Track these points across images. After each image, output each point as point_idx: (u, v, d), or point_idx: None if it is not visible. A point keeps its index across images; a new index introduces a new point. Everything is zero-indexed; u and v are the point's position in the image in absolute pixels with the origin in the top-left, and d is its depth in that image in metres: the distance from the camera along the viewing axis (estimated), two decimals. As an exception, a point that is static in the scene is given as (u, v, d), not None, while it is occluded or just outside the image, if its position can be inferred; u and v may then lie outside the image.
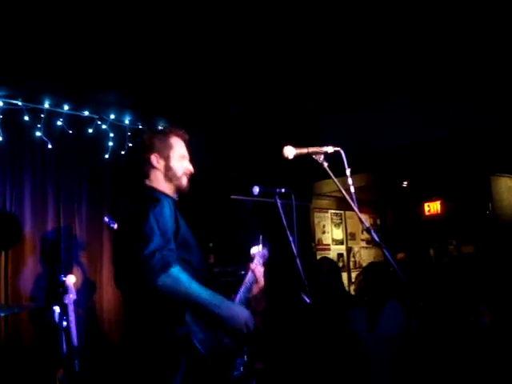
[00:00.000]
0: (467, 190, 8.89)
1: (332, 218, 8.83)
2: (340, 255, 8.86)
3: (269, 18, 4.20)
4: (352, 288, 8.20)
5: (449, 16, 4.26)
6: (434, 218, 9.57)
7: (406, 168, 7.61)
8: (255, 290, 2.95)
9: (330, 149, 2.68)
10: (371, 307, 4.39)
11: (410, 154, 6.50)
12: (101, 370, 4.69)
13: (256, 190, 3.35)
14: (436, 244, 9.54)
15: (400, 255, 7.69)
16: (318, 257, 7.07)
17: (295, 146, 2.74)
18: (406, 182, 8.85)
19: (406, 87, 5.67)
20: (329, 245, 8.64)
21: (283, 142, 2.80)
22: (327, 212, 8.72)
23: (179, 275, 2.39)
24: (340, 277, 5.65)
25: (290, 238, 3.37)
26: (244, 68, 5.06)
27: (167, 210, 2.58)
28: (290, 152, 2.72)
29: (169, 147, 2.85)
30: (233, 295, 2.81)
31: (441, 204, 9.53)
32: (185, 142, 2.95)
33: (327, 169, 2.66)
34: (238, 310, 2.55)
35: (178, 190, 2.87)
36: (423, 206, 9.72)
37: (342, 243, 9.02)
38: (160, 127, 2.87)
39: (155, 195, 2.68)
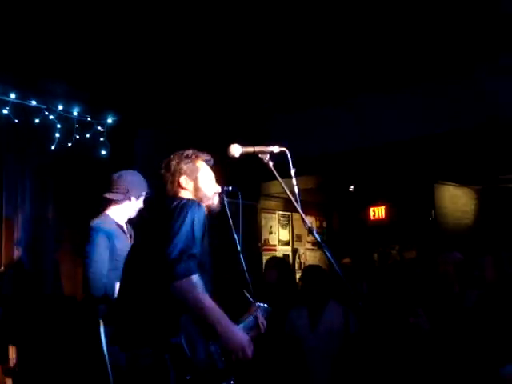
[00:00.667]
0: (411, 197, 9.12)
1: (279, 219, 8.91)
2: (286, 256, 8.94)
3: (221, 15, 4.21)
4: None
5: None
6: (378, 222, 9.75)
7: (353, 172, 7.76)
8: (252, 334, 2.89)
9: (276, 149, 2.70)
10: (312, 307, 4.49)
11: (358, 159, 6.62)
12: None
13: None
14: (380, 248, 9.72)
15: (346, 260, 7.83)
16: (266, 257, 7.14)
17: (242, 144, 2.75)
18: (352, 186, 9.00)
19: (355, 92, 5.77)
20: (275, 245, 8.72)
21: (232, 141, 2.81)
22: (274, 213, 8.79)
23: (197, 284, 2.40)
24: (290, 276, 5.71)
25: (236, 237, 3.40)
26: (194, 65, 5.05)
27: (203, 214, 2.62)
28: (236, 150, 2.73)
29: (196, 170, 2.92)
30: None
31: (385, 209, 9.71)
32: (210, 166, 3.03)
33: (272, 168, 2.68)
34: (239, 334, 2.51)
35: (209, 209, 2.90)
36: (369, 210, 9.89)
37: (288, 244, 9.11)
38: (186, 152, 2.92)
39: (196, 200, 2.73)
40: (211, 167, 3.03)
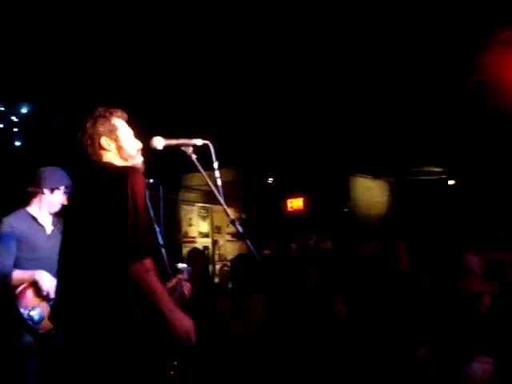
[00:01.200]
0: (327, 189, 9.36)
1: (199, 211, 8.91)
2: (205, 248, 8.96)
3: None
4: (216, 279, 8.34)
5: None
6: (295, 214, 9.95)
7: (271, 164, 7.87)
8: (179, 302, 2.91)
9: (199, 141, 2.71)
10: (237, 296, 4.58)
11: (276, 152, 6.73)
12: None
13: (123, 179, 3.31)
14: (297, 239, 9.92)
15: (266, 251, 7.94)
16: (186, 249, 7.14)
17: (164, 136, 2.74)
18: (271, 179, 9.12)
19: (275, 84, 5.83)
20: (195, 237, 8.72)
21: (153, 133, 2.79)
22: (194, 205, 8.78)
23: (149, 268, 2.37)
24: (207, 267, 5.78)
25: (157, 229, 3.39)
26: (110, 55, 4.95)
27: (143, 182, 2.51)
28: (158, 143, 2.72)
29: (114, 128, 2.75)
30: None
31: (303, 201, 9.91)
32: (125, 120, 2.86)
33: (195, 161, 2.68)
34: (186, 320, 2.49)
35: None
36: (286, 202, 10.06)
37: (207, 236, 9.13)
38: (98, 111, 2.71)
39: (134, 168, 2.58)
40: (126, 121, 2.89)
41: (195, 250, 5.98)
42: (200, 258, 5.43)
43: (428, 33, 4.30)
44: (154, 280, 2.35)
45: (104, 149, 2.69)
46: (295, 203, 9.99)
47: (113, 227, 2.34)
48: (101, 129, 2.70)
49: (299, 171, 8.80)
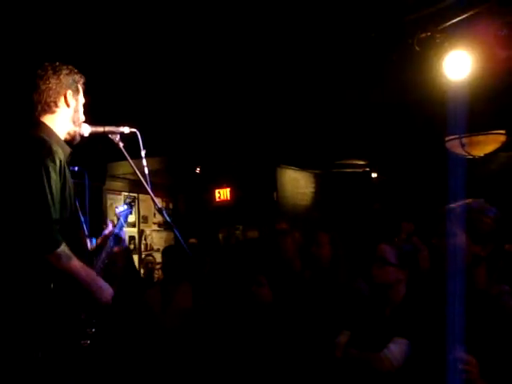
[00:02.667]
0: (255, 179, 9.46)
1: (125, 201, 8.78)
2: (132, 238, 8.86)
3: None
4: (142, 270, 8.27)
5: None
6: (223, 203, 9.99)
7: (199, 154, 7.87)
8: (117, 249, 2.91)
9: (126, 129, 2.70)
10: (166, 286, 4.59)
11: (204, 141, 6.74)
12: None
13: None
14: (224, 229, 9.97)
15: (192, 240, 7.95)
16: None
17: (90, 123, 2.71)
18: (198, 168, 9.12)
19: (206, 74, 5.83)
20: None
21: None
22: (120, 194, 8.66)
23: (65, 253, 2.34)
24: (132, 260, 5.72)
25: (82, 219, 3.34)
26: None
27: (58, 168, 2.41)
28: (85, 129, 2.69)
29: (78, 91, 2.68)
30: (95, 259, 2.76)
31: (230, 191, 9.97)
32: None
33: (123, 149, 2.68)
34: (106, 289, 2.53)
35: (74, 137, 2.69)
36: (214, 192, 10.08)
37: (134, 226, 9.03)
38: (75, 69, 2.59)
39: (52, 145, 2.46)
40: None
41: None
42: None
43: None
44: (70, 263, 2.35)
45: (66, 102, 2.60)
46: (223, 193, 10.03)
47: (26, 216, 2.30)
48: (70, 82, 2.63)
49: (227, 161, 8.85)
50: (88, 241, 2.97)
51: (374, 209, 9.11)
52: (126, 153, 2.67)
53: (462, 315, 1.99)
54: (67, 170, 2.56)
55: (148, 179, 2.66)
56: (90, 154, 5.32)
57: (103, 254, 2.83)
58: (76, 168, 3.21)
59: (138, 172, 2.63)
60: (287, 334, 3.80)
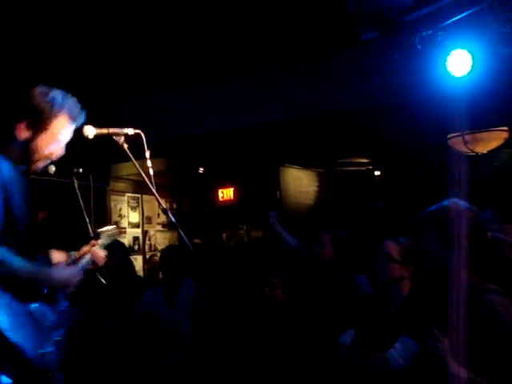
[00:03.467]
0: (258, 179, 9.47)
1: (129, 202, 8.81)
2: (136, 238, 8.88)
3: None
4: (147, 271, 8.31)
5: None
6: (226, 203, 10.00)
7: (202, 155, 7.88)
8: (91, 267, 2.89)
9: (130, 131, 2.70)
10: (168, 285, 4.59)
11: (207, 142, 6.75)
12: None
13: (52, 169, 3.26)
14: (228, 228, 9.99)
15: (196, 241, 7.97)
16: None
17: (95, 125, 2.72)
18: (201, 169, 9.14)
19: (201, 76, 5.84)
20: (125, 228, 8.62)
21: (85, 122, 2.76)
22: (124, 195, 8.68)
23: (4, 256, 2.30)
24: (130, 261, 5.73)
25: (87, 220, 3.35)
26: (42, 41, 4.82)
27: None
28: (89, 131, 2.69)
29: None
30: None
31: (233, 191, 9.98)
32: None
33: (127, 150, 2.68)
34: (59, 274, 2.55)
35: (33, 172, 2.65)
36: (217, 191, 10.10)
37: (138, 226, 9.05)
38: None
39: None
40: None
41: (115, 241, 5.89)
42: (118, 249, 5.32)
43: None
44: (8, 265, 2.30)
45: (45, 130, 2.53)
46: (226, 193, 10.05)
47: None
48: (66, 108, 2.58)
49: (230, 161, 8.86)
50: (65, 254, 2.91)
51: (377, 207, 9.12)
52: (130, 154, 2.67)
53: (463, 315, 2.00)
54: (15, 179, 2.49)
55: (152, 180, 2.67)
56: (94, 156, 5.35)
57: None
58: (80, 169, 3.24)
59: (142, 172, 2.64)
60: (294, 335, 3.80)
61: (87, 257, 2.86)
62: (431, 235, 2.24)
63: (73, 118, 2.64)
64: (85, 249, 2.92)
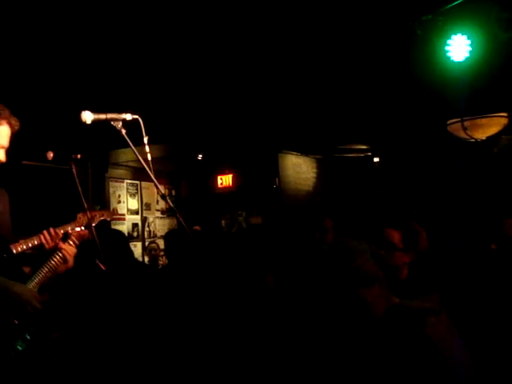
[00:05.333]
0: (257, 165, 9.47)
1: (128, 188, 8.81)
2: (135, 225, 8.90)
3: None
4: (146, 257, 8.33)
5: None
6: (225, 190, 10.01)
7: (201, 141, 7.87)
8: (61, 268, 2.86)
9: (128, 116, 2.69)
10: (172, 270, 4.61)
11: (206, 128, 6.73)
12: None
13: (50, 155, 3.26)
14: (227, 215, 10.00)
15: (196, 227, 7.98)
16: (113, 226, 7.06)
17: (93, 111, 2.71)
18: (200, 155, 9.13)
19: (206, 59, 5.81)
20: (124, 215, 8.63)
21: (80, 106, 2.75)
22: (123, 182, 8.68)
23: None
24: (128, 246, 5.74)
25: (86, 206, 3.35)
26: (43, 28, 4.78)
27: None
28: (87, 117, 2.68)
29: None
30: (33, 272, 2.72)
31: (232, 177, 9.99)
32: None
33: (125, 136, 2.67)
34: (20, 291, 2.49)
35: None
36: (216, 178, 10.10)
37: (137, 213, 9.05)
38: None
39: None
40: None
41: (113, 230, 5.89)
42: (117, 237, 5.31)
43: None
44: None
45: None
46: (225, 180, 10.05)
47: None
48: None
49: (229, 148, 8.85)
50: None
51: (379, 193, 9.13)
52: (128, 139, 2.66)
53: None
54: None
55: (151, 166, 2.66)
56: (93, 142, 5.34)
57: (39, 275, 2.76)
58: (79, 156, 3.23)
59: (140, 158, 2.63)
60: (289, 321, 3.82)
61: (57, 255, 2.85)
62: None
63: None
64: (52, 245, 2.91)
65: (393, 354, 2.07)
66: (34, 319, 2.56)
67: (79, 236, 3.06)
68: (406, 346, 2.08)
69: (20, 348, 2.45)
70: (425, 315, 2.17)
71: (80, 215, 3.11)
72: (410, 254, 3.12)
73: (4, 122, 2.70)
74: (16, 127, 2.77)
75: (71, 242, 2.97)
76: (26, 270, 2.77)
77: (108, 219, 3.22)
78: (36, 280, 2.70)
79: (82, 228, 3.13)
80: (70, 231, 3.04)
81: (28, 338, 2.50)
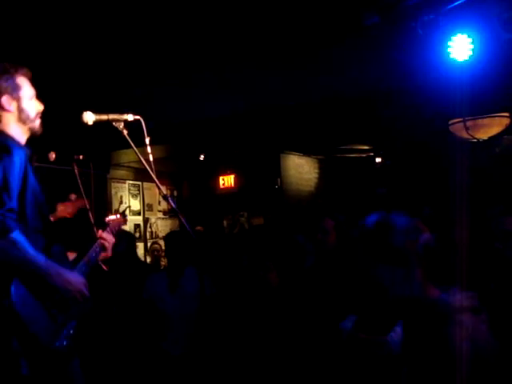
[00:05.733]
0: (259, 166, 9.47)
1: (129, 189, 8.82)
2: (137, 226, 8.90)
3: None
4: (148, 258, 8.32)
5: None
6: (227, 191, 10.02)
7: (203, 141, 7.87)
8: (101, 257, 2.87)
9: (130, 117, 2.69)
10: (172, 271, 4.61)
11: (208, 128, 6.73)
12: None
13: (52, 156, 3.26)
14: (229, 216, 10.01)
15: (198, 228, 7.99)
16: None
17: (95, 111, 2.71)
18: (202, 156, 9.13)
19: (208, 62, 5.80)
20: (126, 215, 8.63)
21: (82, 107, 2.75)
22: (125, 183, 8.69)
23: (18, 241, 2.28)
24: (134, 246, 5.75)
25: (88, 207, 3.36)
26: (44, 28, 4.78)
27: (17, 164, 2.39)
28: (89, 118, 2.68)
29: (18, 87, 2.62)
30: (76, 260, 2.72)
31: (234, 178, 9.99)
32: (30, 79, 2.71)
33: (127, 137, 2.67)
34: (71, 278, 2.47)
35: (32, 132, 2.68)
36: (218, 179, 10.11)
37: (139, 214, 9.06)
38: (3, 66, 2.56)
39: (7, 143, 2.46)
40: (31, 81, 2.74)
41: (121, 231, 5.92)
42: (124, 237, 5.32)
43: None
44: (22, 251, 2.30)
45: (4, 109, 2.58)
46: (227, 180, 10.06)
47: None
48: (4, 85, 2.58)
49: (231, 148, 8.85)
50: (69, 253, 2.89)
51: (379, 193, 9.13)
52: (130, 140, 2.66)
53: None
54: (29, 168, 2.52)
55: (153, 166, 2.66)
56: (95, 143, 5.34)
57: (82, 262, 2.76)
58: (81, 157, 3.23)
59: (142, 159, 2.63)
60: (293, 319, 3.82)
61: (96, 245, 2.85)
62: None
63: (26, 75, 2.69)
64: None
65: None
66: (81, 308, 2.57)
67: (117, 224, 3.08)
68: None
69: (58, 343, 2.44)
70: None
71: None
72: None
73: (21, 75, 2.68)
74: (30, 74, 2.73)
75: (109, 230, 2.97)
76: (71, 256, 2.80)
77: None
78: (79, 268, 2.71)
79: (118, 216, 3.15)
80: (107, 220, 3.04)
81: (69, 332, 2.51)
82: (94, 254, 2.81)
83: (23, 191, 2.43)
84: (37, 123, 2.69)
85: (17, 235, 2.29)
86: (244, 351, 4.21)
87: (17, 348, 2.28)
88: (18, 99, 2.62)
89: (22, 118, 2.63)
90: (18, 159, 2.42)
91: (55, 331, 2.44)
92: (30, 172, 2.52)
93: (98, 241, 2.87)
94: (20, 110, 2.62)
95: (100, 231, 2.94)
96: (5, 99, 2.58)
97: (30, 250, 2.32)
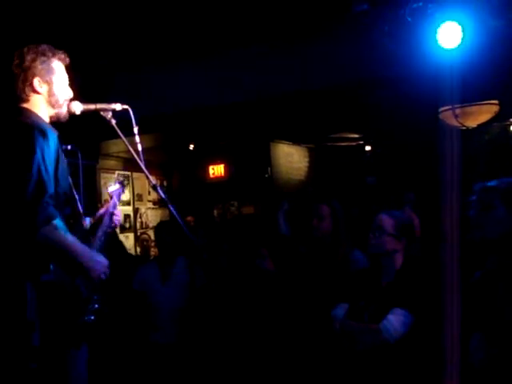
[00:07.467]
0: (249, 155, 9.46)
1: (116, 179, 8.78)
2: (127, 216, 8.87)
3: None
4: (138, 248, 8.31)
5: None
6: (217, 180, 10.01)
7: (192, 131, 7.84)
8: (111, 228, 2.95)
9: (118, 106, 2.68)
10: (163, 262, 4.60)
11: (197, 118, 6.70)
12: None
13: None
14: (219, 205, 10.00)
15: (188, 218, 7.97)
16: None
17: (82, 101, 2.69)
18: (192, 145, 9.10)
19: (197, 50, 5.77)
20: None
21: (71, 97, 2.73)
22: (114, 173, 8.64)
23: (59, 227, 2.37)
24: (117, 237, 5.73)
25: (77, 197, 3.33)
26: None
27: (52, 148, 2.44)
28: (76, 107, 2.67)
29: (52, 71, 2.63)
30: (92, 238, 2.79)
31: (224, 167, 9.98)
32: (66, 66, 2.73)
33: (115, 126, 2.66)
34: (98, 261, 2.58)
35: (58, 117, 2.68)
36: (208, 168, 10.09)
37: (128, 204, 9.03)
38: (42, 48, 2.56)
39: (43, 127, 2.48)
40: (66, 67, 2.76)
41: None
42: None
43: None
44: (63, 237, 2.40)
45: (35, 90, 2.59)
46: (217, 170, 10.04)
47: (22, 189, 2.31)
48: (39, 67, 2.59)
49: (220, 138, 8.82)
50: (83, 220, 2.97)
51: (368, 182, 9.16)
52: (118, 130, 2.65)
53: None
54: (60, 150, 2.57)
55: (141, 156, 2.65)
56: (83, 133, 5.29)
57: (99, 233, 2.85)
58: (69, 147, 3.20)
59: (131, 149, 2.62)
60: (288, 306, 3.82)
61: (107, 217, 2.91)
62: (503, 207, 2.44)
63: (63, 61, 2.72)
64: (101, 211, 2.97)
65: None
66: (98, 289, 2.66)
67: (118, 194, 3.13)
68: None
69: (86, 318, 2.55)
70: None
71: None
72: (402, 242, 3.12)
73: (58, 60, 2.70)
74: (68, 61, 2.76)
75: (115, 201, 3.05)
76: None
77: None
78: (95, 246, 2.79)
79: (117, 185, 3.19)
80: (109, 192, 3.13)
81: (94, 307, 2.61)
82: (105, 227, 2.89)
83: (56, 176, 2.47)
84: (64, 110, 2.69)
85: (58, 221, 2.38)
86: (237, 342, 4.22)
87: (31, 319, 2.34)
88: (50, 83, 2.63)
89: (52, 102, 2.64)
90: (53, 143, 2.47)
91: (83, 306, 2.55)
92: (62, 155, 2.58)
93: (109, 213, 2.93)
94: (51, 94, 2.63)
95: (107, 204, 2.99)
96: (37, 81, 2.58)
97: (68, 235, 2.43)
